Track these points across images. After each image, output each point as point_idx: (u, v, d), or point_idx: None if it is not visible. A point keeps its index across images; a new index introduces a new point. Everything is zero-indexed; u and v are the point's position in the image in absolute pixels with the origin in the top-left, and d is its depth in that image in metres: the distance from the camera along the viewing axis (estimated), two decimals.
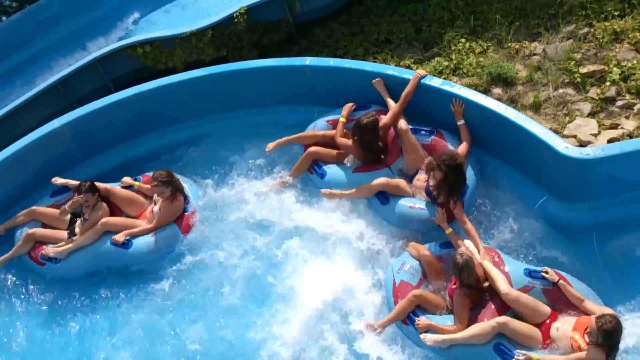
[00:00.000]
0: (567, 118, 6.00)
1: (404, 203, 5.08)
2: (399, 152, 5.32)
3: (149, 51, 7.24)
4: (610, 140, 5.59)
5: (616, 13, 6.60)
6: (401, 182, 5.19)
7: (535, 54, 6.59)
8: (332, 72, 5.74)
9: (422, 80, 5.36)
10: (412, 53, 7.03)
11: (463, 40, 6.94)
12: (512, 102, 6.27)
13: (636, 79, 6.05)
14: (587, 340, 3.99)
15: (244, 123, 6.18)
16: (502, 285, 4.30)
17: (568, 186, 4.81)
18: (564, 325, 4.18)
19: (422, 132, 5.32)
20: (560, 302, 4.34)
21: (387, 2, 7.46)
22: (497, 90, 6.40)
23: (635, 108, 5.95)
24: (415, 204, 5.04)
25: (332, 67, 5.75)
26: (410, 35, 7.16)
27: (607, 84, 6.11)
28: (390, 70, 5.61)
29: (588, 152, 4.61)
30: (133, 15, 8.56)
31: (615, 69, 6.18)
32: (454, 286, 4.52)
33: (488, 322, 4.24)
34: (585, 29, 6.59)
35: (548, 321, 4.24)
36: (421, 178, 5.15)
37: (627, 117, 5.93)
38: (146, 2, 8.63)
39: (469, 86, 6.43)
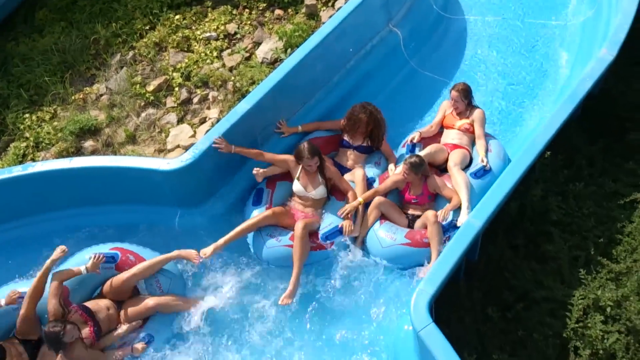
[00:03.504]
0: (163, 134, 6.24)
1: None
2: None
3: None
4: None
5: (147, 27, 7.04)
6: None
7: (102, 95, 6.59)
8: None
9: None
10: None
11: (27, 115, 6.46)
12: (108, 146, 6.19)
13: (195, 73, 6.63)
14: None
15: None
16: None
17: (192, 191, 5.06)
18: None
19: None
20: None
21: None
22: (89, 143, 6.22)
23: (210, 96, 6.55)
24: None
25: None
26: None
27: (176, 89, 6.55)
28: None
29: (187, 157, 4.88)
30: None
31: (174, 74, 6.65)
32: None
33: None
34: (131, 53, 6.86)
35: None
36: (349, 157, 5.39)
37: (208, 108, 6.50)
38: None
39: (60, 153, 6.10)
